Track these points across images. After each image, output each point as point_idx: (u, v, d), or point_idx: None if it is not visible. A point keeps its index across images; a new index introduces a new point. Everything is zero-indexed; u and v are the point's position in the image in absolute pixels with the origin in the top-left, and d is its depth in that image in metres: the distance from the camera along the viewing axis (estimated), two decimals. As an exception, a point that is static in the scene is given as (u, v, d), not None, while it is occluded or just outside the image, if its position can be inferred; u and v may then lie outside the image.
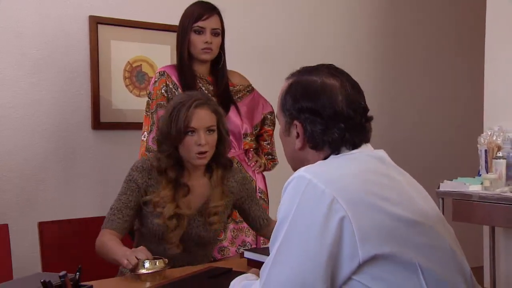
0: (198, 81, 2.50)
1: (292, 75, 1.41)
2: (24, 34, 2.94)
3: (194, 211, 2.04)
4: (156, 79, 2.50)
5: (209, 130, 2.00)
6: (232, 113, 2.53)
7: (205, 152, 1.99)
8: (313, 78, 1.36)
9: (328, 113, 1.31)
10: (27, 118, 2.95)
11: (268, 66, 3.65)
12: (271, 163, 2.68)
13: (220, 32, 2.48)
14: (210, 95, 2.43)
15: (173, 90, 2.46)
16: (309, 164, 1.31)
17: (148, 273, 1.71)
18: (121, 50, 3.18)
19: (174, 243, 2.00)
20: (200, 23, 2.43)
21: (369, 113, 1.38)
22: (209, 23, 2.44)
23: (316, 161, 1.33)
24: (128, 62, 3.21)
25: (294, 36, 3.86)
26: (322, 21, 4.01)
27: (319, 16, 4.00)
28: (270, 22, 3.76)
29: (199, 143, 1.97)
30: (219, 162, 2.08)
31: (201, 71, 2.52)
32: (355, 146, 1.34)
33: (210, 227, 2.05)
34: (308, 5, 3.95)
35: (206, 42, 2.43)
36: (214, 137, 2.02)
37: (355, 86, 1.37)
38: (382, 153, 1.38)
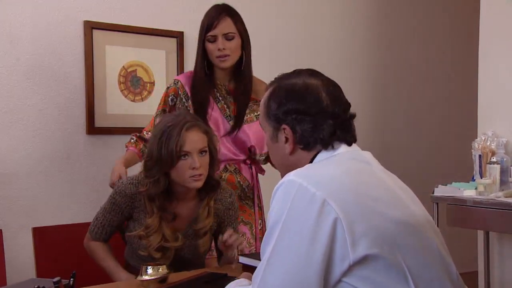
0: (216, 90, 2.44)
1: (272, 82, 1.42)
2: (18, 39, 2.93)
3: (180, 241, 2.01)
4: (169, 86, 2.48)
5: (201, 151, 1.97)
6: (246, 126, 2.44)
7: (200, 175, 1.96)
8: (294, 80, 1.38)
9: (315, 110, 1.32)
10: (21, 123, 2.94)
11: (259, 68, 3.64)
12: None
13: (234, 36, 2.39)
14: (228, 103, 2.42)
15: (184, 100, 2.42)
16: (299, 168, 1.31)
17: (151, 279, 1.72)
18: (116, 55, 3.17)
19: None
20: (211, 32, 2.37)
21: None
22: (220, 29, 2.37)
23: (307, 163, 1.33)
24: (123, 67, 3.20)
25: (289, 38, 3.86)
26: (316, 23, 4.01)
27: (313, 18, 4.01)
28: (264, 24, 3.75)
29: (193, 167, 1.93)
30: (207, 183, 2.03)
31: (220, 78, 2.46)
32: (347, 143, 1.35)
33: (198, 249, 2.04)
34: (302, 7, 3.95)
35: (219, 50, 2.36)
36: (207, 158, 1.99)
37: (335, 85, 1.40)
38: (368, 154, 1.39)
